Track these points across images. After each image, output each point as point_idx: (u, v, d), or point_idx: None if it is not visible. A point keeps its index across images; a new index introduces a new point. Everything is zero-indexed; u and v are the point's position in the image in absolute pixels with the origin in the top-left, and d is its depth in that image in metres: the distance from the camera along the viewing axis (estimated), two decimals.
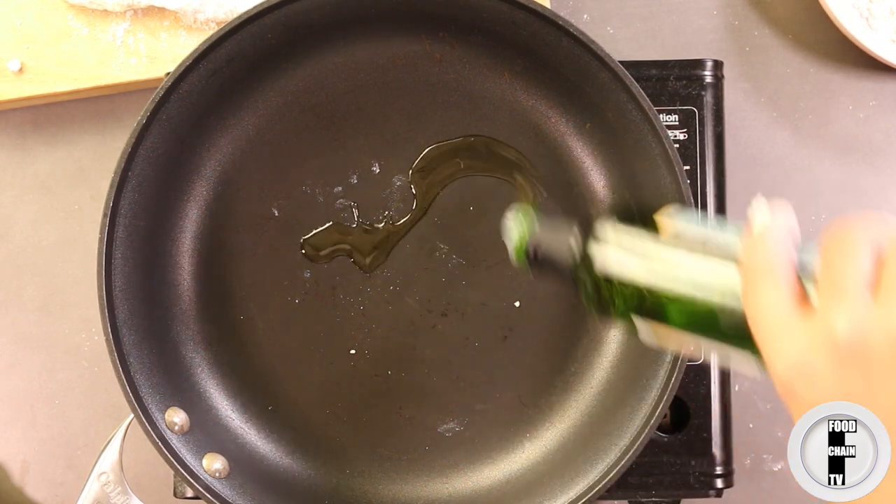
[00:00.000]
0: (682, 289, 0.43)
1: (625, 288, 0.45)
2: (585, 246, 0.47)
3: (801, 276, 0.40)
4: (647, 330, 0.46)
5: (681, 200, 0.57)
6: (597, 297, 0.47)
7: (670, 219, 0.45)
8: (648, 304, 0.45)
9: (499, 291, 0.64)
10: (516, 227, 0.49)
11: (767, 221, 0.41)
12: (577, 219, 0.48)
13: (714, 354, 0.45)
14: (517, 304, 0.64)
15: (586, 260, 0.47)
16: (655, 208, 0.47)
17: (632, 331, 0.46)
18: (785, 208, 0.41)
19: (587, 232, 0.47)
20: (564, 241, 0.48)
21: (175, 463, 0.57)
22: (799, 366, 0.38)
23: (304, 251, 0.64)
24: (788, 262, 0.40)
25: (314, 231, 0.64)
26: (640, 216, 0.47)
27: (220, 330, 0.64)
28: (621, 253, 0.46)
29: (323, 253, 0.65)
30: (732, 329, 0.42)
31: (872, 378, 0.36)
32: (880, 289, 0.36)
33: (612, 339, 0.64)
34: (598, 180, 0.64)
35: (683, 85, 0.65)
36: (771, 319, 0.39)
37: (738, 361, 0.43)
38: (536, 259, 0.49)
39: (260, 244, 0.64)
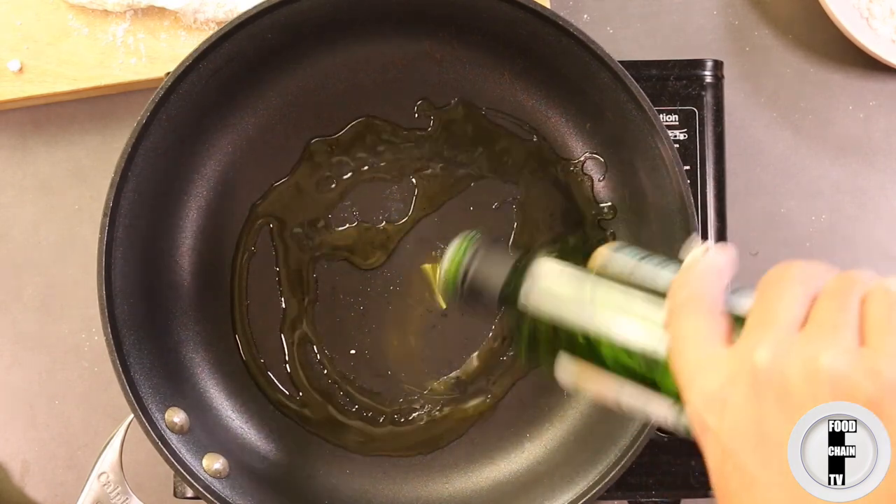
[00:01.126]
0: (605, 328, 0.41)
1: (547, 326, 0.43)
2: (518, 281, 0.44)
3: (731, 315, 0.38)
4: (570, 370, 0.43)
5: (681, 200, 0.57)
6: (525, 335, 0.44)
7: (607, 252, 0.43)
8: (573, 343, 0.42)
9: None
10: (451, 255, 0.46)
11: (699, 257, 0.40)
12: (517, 252, 0.46)
13: (634, 405, 0.42)
14: None
15: (515, 295, 0.44)
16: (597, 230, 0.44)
17: (550, 371, 0.44)
18: (723, 249, 0.40)
19: (523, 266, 0.45)
20: (497, 274, 0.45)
21: (175, 463, 0.56)
22: (716, 398, 0.36)
23: None
24: (716, 296, 0.39)
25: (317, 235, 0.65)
26: (577, 251, 0.44)
27: (220, 330, 0.64)
28: (551, 289, 0.43)
29: (326, 254, 0.65)
30: (654, 371, 0.40)
31: (787, 410, 0.35)
32: (807, 325, 0.36)
33: None
34: (598, 181, 0.64)
35: (683, 85, 0.65)
36: (692, 351, 0.38)
37: (658, 409, 0.41)
38: (464, 290, 0.46)
39: (260, 244, 0.64)
